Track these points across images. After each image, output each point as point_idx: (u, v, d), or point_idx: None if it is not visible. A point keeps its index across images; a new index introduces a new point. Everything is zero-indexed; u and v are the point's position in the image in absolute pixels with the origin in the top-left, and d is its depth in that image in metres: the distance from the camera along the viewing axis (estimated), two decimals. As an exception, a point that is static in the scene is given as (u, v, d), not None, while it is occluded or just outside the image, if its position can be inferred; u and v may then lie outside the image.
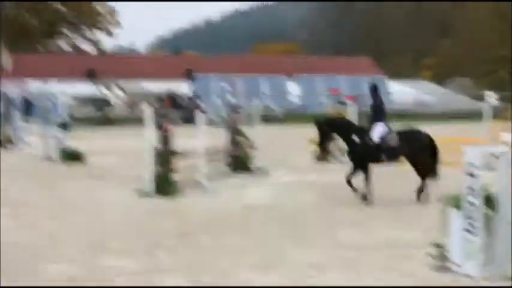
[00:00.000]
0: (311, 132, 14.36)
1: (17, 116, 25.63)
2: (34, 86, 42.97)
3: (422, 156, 14.05)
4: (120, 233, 10.62)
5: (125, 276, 8.23)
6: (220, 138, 18.42)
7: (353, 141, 13.84)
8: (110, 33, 78.24)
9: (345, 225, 11.32)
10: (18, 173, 18.20)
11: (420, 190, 13.97)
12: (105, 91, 50.28)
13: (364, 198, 13.68)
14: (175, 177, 14.94)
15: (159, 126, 15.14)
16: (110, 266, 8.69)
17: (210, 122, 21.65)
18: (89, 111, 46.69)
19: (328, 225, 11.29)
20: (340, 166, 14.25)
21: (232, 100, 23.47)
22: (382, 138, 13.84)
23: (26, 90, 38.06)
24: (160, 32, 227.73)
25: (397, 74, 69.02)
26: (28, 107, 32.91)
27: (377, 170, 14.10)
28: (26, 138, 24.86)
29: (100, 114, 46.62)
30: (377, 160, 13.90)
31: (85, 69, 54.81)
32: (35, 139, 23.46)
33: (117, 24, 78.46)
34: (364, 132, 13.96)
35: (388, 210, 12.74)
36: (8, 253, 9.33)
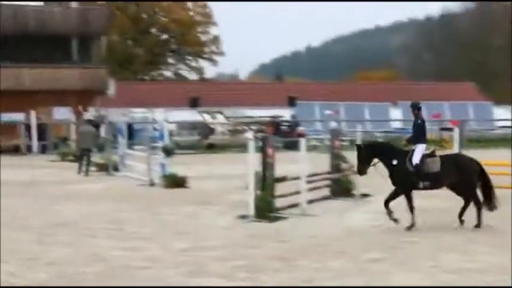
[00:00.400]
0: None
1: (122, 142, 26.20)
2: (138, 114, 43.91)
3: (468, 184, 13.27)
4: (222, 257, 10.69)
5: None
6: (322, 163, 18.39)
7: (392, 165, 13.39)
8: (213, 62, 79.28)
9: (447, 249, 11.14)
10: (122, 198, 18.59)
11: (462, 216, 13.32)
12: (208, 118, 50.93)
13: (410, 227, 13.16)
14: (277, 201, 15.00)
15: (262, 152, 15.23)
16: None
17: (312, 148, 21.66)
18: (192, 138, 47.36)
19: (430, 249, 11.13)
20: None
21: (335, 126, 23.39)
22: (422, 163, 13.26)
23: (131, 118, 38.91)
24: (262, 59, 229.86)
25: (502, 99, 67.47)
26: (132, 134, 33.64)
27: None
28: (131, 165, 25.38)
29: (203, 141, 47.25)
30: (416, 187, 13.37)
31: (188, 97, 55.66)
32: (139, 165, 23.94)
33: (221, 53, 79.43)
34: (405, 156, 13.46)
35: (487, 235, 12.48)
36: (103, 274, 9.52)
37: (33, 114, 37.71)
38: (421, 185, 13.35)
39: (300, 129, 44.85)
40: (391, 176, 13.49)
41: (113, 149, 27.02)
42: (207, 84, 68.82)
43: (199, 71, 79.71)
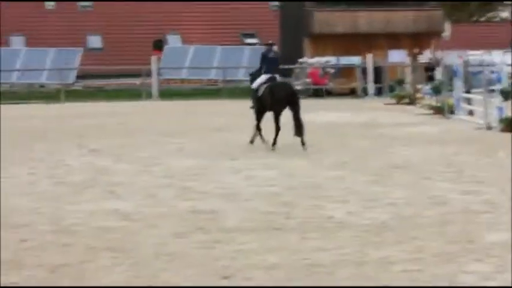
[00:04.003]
0: None
1: (458, 86, 25.92)
2: (474, 57, 42.97)
3: (277, 107, 16.30)
4: None
5: None
6: None
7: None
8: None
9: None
10: (459, 141, 18.47)
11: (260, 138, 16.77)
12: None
13: (251, 141, 16.97)
14: None
15: None
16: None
17: None
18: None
19: None
20: None
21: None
22: (257, 89, 16.79)
23: (467, 61, 38.20)
24: None
25: None
26: (468, 77, 33.05)
27: None
28: (467, 108, 25.10)
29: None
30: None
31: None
32: (476, 108, 23.58)
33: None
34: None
35: None
36: (442, 217, 9.59)
37: (369, 57, 38.45)
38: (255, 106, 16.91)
39: None
40: None
41: (449, 92, 26.83)
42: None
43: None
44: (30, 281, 7.25)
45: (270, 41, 18.28)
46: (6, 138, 19.59)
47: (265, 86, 16.71)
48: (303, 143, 16.31)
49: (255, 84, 17.13)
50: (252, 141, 17.24)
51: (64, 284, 7.14)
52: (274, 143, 16.57)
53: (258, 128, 17.08)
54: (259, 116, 16.95)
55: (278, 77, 17.27)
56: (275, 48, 18.00)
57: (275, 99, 16.36)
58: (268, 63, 17.09)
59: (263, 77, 16.89)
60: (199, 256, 8.02)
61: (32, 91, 38.55)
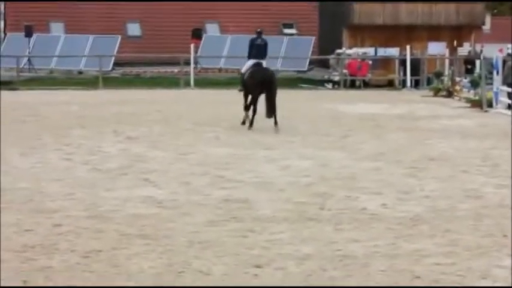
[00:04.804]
0: None
1: (497, 79, 25.64)
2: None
3: (253, 90, 18.05)
4: None
5: None
6: None
7: None
8: None
9: None
10: (495, 135, 18.27)
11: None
12: None
13: (242, 122, 18.60)
14: None
15: None
16: None
17: None
18: None
19: None
20: None
21: None
22: (244, 73, 18.63)
23: (507, 54, 37.77)
24: None
25: None
26: (509, 71, 32.63)
27: None
28: (506, 101, 24.85)
29: None
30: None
31: None
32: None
33: None
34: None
35: None
36: (477, 211, 9.51)
37: (408, 49, 38.15)
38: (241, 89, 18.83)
39: None
40: None
41: (488, 85, 26.55)
42: None
43: None
44: (62, 265, 7.32)
45: (258, 29, 19.42)
46: (43, 124, 19.78)
47: (249, 70, 18.54)
48: (275, 123, 18.08)
49: (243, 69, 19.13)
50: (243, 122, 18.78)
51: (95, 269, 7.21)
52: (251, 124, 18.39)
53: (246, 109, 18.68)
54: (245, 98, 18.67)
55: (264, 63, 18.89)
56: (263, 36, 19.27)
57: (252, 82, 18.25)
58: (256, 49, 18.78)
59: (250, 62, 18.74)
60: (232, 245, 8.04)
61: (71, 77, 38.82)
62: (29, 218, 9.17)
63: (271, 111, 18.07)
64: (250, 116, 18.48)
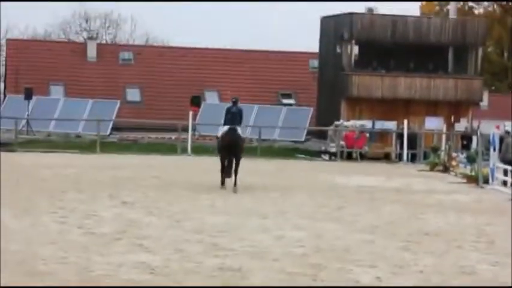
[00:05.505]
0: None
1: (493, 155, 25.76)
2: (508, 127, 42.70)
3: (223, 152, 19.92)
4: None
5: None
6: None
7: None
8: None
9: None
10: (491, 211, 18.26)
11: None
12: None
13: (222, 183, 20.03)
14: None
15: None
16: None
17: None
18: None
19: None
20: None
21: None
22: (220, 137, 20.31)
23: (503, 131, 38.01)
24: None
25: None
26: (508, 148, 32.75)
27: None
28: (502, 178, 24.92)
29: None
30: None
31: None
32: (510, 179, 23.40)
33: None
34: None
35: None
36: None
37: (405, 123, 38.40)
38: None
39: None
40: None
41: (484, 161, 26.65)
42: None
43: None
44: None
45: (234, 99, 20.78)
46: (39, 186, 19.77)
47: (222, 135, 20.23)
48: (235, 184, 19.70)
49: (219, 134, 20.67)
50: (222, 183, 20.14)
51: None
52: (222, 183, 20.18)
53: (222, 171, 20.16)
54: (222, 161, 20.20)
55: (239, 129, 20.26)
56: (238, 104, 20.64)
57: (222, 145, 20.13)
58: (231, 116, 20.20)
59: (225, 128, 20.21)
60: (223, 314, 7.98)
61: (68, 141, 38.95)
62: (21, 280, 9.10)
63: (230, 171, 19.83)
64: (222, 176, 20.12)
